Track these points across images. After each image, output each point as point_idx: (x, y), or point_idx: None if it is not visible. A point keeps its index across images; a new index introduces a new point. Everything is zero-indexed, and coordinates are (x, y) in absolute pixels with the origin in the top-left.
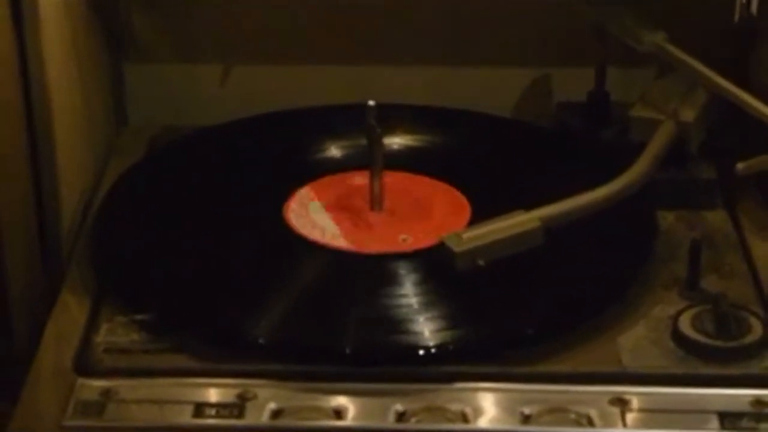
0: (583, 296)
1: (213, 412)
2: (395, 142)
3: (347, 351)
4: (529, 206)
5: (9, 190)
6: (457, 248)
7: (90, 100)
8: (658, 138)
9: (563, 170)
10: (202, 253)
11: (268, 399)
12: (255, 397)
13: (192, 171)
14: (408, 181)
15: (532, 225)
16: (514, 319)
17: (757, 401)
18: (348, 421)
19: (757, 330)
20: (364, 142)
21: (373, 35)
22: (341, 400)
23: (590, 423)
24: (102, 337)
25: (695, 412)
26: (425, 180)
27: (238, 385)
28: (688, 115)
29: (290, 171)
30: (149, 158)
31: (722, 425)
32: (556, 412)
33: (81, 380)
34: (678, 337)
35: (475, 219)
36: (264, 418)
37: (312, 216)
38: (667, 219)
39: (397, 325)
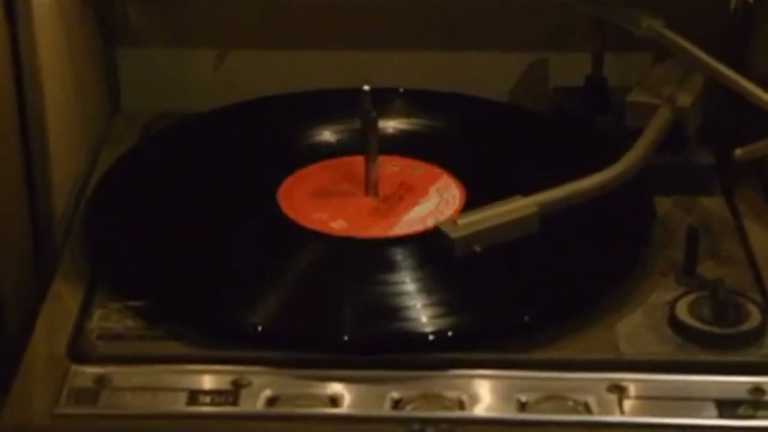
0: (580, 283)
1: (207, 399)
2: (390, 126)
3: (343, 338)
4: (525, 192)
5: (1, 177)
6: (453, 234)
7: (83, 86)
8: (655, 123)
9: (560, 155)
10: (197, 239)
11: (263, 386)
12: (250, 384)
13: (185, 157)
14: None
15: (529, 210)
16: (510, 306)
17: (755, 389)
18: (344, 408)
19: (754, 317)
20: (359, 126)
21: (369, 20)
22: (337, 388)
23: (588, 410)
24: (96, 323)
25: (693, 399)
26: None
27: (233, 372)
28: (685, 100)
29: (284, 156)
30: (143, 144)
31: (720, 412)
32: (554, 400)
33: (74, 367)
34: (675, 323)
35: (470, 204)
36: (259, 406)
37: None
38: (664, 205)
39: (393, 312)
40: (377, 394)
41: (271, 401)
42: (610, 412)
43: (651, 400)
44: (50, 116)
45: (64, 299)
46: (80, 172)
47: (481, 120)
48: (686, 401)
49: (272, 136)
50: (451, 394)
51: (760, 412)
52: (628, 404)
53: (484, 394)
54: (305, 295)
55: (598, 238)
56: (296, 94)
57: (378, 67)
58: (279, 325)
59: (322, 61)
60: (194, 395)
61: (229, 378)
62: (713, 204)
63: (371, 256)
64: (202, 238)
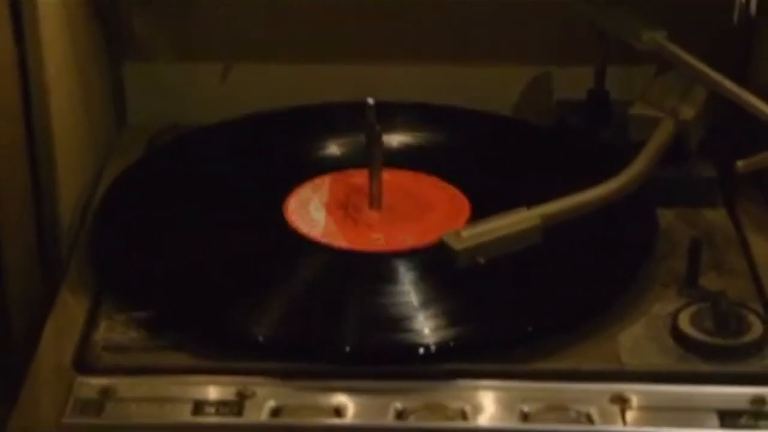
0: (583, 294)
1: (212, 410)
2: (394, 140)
3: (347, 349)
4: (528, 204)
5: (8, 188)
6: (456, 246)
7: (89, 99)
8: (657, 136)
9: (563, 168)
10: (202, 251)
11: (268, 397)
12: (254, 395)
13: (191, 169)
14: (407, 179)
15: (532, 223)
16: (513, 317)
17: (757, 399)
18: (347, 419)
19: (756, 328)
20: (363, 140)
21: (373, 34)
22: (341, 398)
23: (590, 421)
24: (101, 334)
25: (695, 409)
26: (424, 178)
27: (237, 383)
28: (688, 113)
29: (290, 169)
30: (148, 157)
31: (722, 423)
32: (556, 410)
33: (80, 378)
34: (677, 334)
35: (475, 217)
36: (263, 416)
37: (312, 214)
38: (666, 217)
39: (396, 323)
40: (381, 405)
41: (276, 412)
42: (612, 423)
43: (653, 410)
44: (57, 129)
45: (70, 310)
46: (86, 183)
47: (485, 133)
48: (688, 412)
49: (277, 149)
50: (454, 404)
51: (762, 423)
52: (630, 415)
53: (487, 404)
54: (310, 307)
55: (601, 250)
56: (300, 108)
57: (382, 81)
58: (283, 336)
59: (326, 75)
60: (199, 406)
61: (233, 389)
62: (715, 216)
63: (376, 268)
64: (207, 250)
